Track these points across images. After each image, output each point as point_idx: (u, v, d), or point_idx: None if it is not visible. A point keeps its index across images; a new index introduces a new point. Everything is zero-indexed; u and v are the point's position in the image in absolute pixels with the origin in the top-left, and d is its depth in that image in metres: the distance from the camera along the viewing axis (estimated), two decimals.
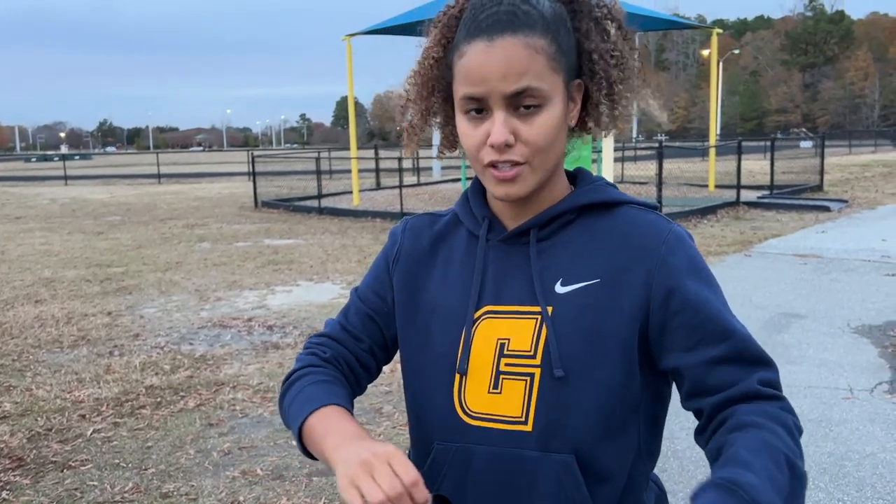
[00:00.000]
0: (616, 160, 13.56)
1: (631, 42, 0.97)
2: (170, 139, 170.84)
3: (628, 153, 24.55)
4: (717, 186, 16.11)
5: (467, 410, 0.97)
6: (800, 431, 0.90)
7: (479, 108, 0.91)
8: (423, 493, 0.81)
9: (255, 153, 19.11)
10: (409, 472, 0.80)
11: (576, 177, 1.03)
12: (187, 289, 7.39)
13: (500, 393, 0.95)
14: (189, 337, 5.64)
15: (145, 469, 3.40)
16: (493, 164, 0.91)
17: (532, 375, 0.93)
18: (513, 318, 0.95)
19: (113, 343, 5.49)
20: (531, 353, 0.93)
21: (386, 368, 1.06)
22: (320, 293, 7.08)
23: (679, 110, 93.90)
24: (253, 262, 8.88)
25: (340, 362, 1.07)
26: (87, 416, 4.06)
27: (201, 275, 8.15)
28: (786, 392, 0.95)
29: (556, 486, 0.93)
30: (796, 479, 0.84)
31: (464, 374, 0.97)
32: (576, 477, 0.93)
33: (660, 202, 11.18)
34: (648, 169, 17.08)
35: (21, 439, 3.76)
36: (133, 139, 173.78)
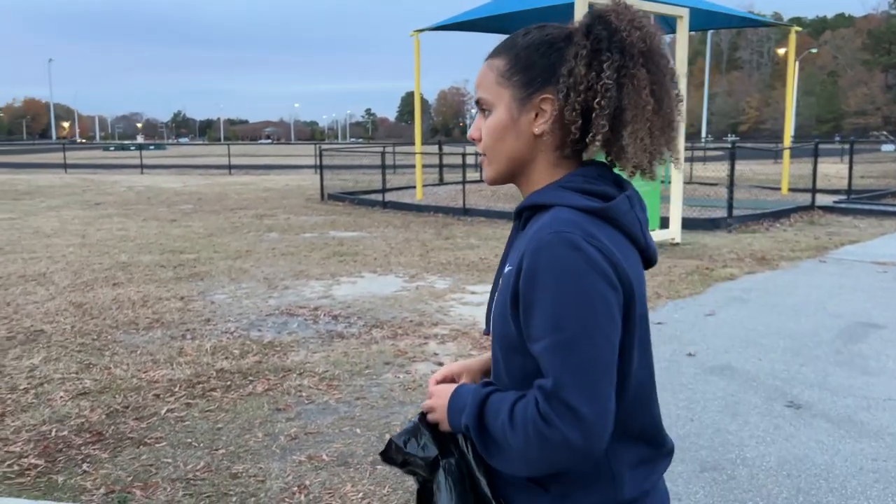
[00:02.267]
0: (686, 160, 13.23)
1: (642, 76, 1.08)
2: (240, 131, 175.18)
3: (697, 153, 23.95)
4: (790, 190, 15.60)
5: None
6: (538, 433, 1.02)
7: None
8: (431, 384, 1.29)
9: (323, 146, 19.43)
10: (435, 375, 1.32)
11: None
12: (256, 277, 7.58)
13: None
14: (258, 323, 5.79)
15: (216, 449, 3.51)
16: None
17: None
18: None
19: (185, 327, 5.68)
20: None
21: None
22: (384, 285, 7.16)
23: (751, 110, 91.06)
24: (319, 253, 9.04)
25: None
26: (161, 395, 4.21)
27: (270, 264, 8.34)
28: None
29: None
30: (500, 430, 1.08)
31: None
32: None
33: (731, 204, 10.88)
34: (718, 170, 16.62)
35: (100, 415, 3.93)
36: (205, 131, 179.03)
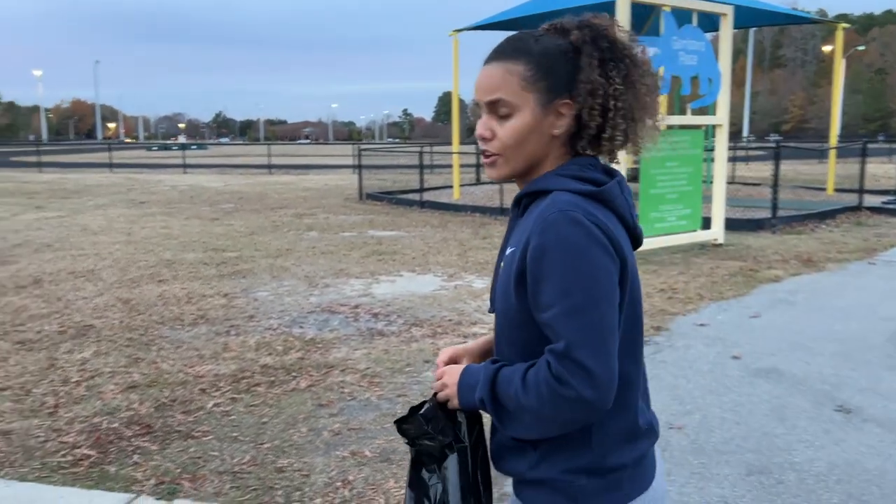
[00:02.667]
0: (728, 160, 13.02)
1: (643, 81, 1.25)
2: (279, 131, 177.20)
3: (740, 153, 23.55)
4: (836, 190, 15.24)
5: None
6: (553, 392, 1.13)
7: (481, 111, 1.27)
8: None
9: (362, 146, 19.58)
10: (439, 359, 1.42)
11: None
12: (297, 275, 7.67)
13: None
14: (299, 320, 5.86)
15: (261, 444, 3.56)
16: (482, 152, 1.28)
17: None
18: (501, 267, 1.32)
19: (229, 323, 5.77)
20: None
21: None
22: (422, 284, 7.19)
23: (794, 109, 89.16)
24: (358, 252, 9.12)
25: None
26: (207, 390, 4.29)
27: (310, 262, 8.44)
28: None
29: None
30: (514, 396, 1.19)
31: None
32: None
33: (775, 205, 10.67)
34: (761, 170, 16.34)
35: (149, 408, 4.02)
36: (245, 131, 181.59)
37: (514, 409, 1.20)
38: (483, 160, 1.29)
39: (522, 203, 1.29)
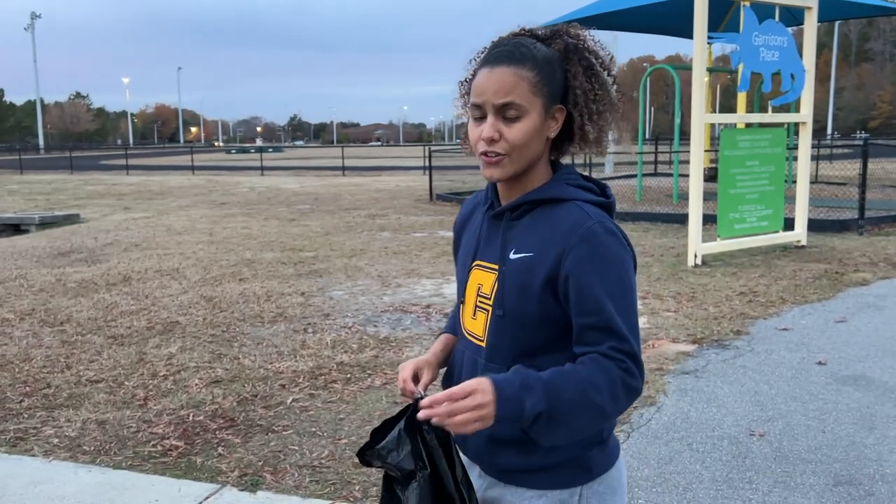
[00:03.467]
0: (811, 158, 12.49)
1: (614, 84, 1.37)
2: (351, 134, 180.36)
3: (823, 151, 22.59)
4: None
5: (463, 327, 1.46)
6: (626, 385, 1.24)
7: (481, 114, 1.31)
8: (409, 388, 1.39)
9: (432, 148, 19.72)
10: (402, 375, 1.42)
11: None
12: (370, 274, 7.81)
13: (475, 319, 1.42)
14: (373, 319, 5.96)
15: (339, 439, 3.65)
16: (484, 153, 1.31)
17: (489, 310, 1.38)
18: (486, 271, 1.39)
19: (307, 321, 5.93)
20: (490, 296, 1.38)
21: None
22: None
23: (883, 105, 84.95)
24: (429, 252, 9.20)
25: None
26: (287, 386, 4.42)
27: (383, 262, 8.57)
28: None
29: None
30: (580, 398, 1.21)
31: (462, 303, 1.46)
32: None
33: (862, 205, 10.21)
34: (846, 169, 15.63)
35: (232, 402, 4.17)
36: (319, 134, 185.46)
37: (574, 410, 1.21)
38: (485, 160, 1.33)
39: (522, 208, 1.37)
